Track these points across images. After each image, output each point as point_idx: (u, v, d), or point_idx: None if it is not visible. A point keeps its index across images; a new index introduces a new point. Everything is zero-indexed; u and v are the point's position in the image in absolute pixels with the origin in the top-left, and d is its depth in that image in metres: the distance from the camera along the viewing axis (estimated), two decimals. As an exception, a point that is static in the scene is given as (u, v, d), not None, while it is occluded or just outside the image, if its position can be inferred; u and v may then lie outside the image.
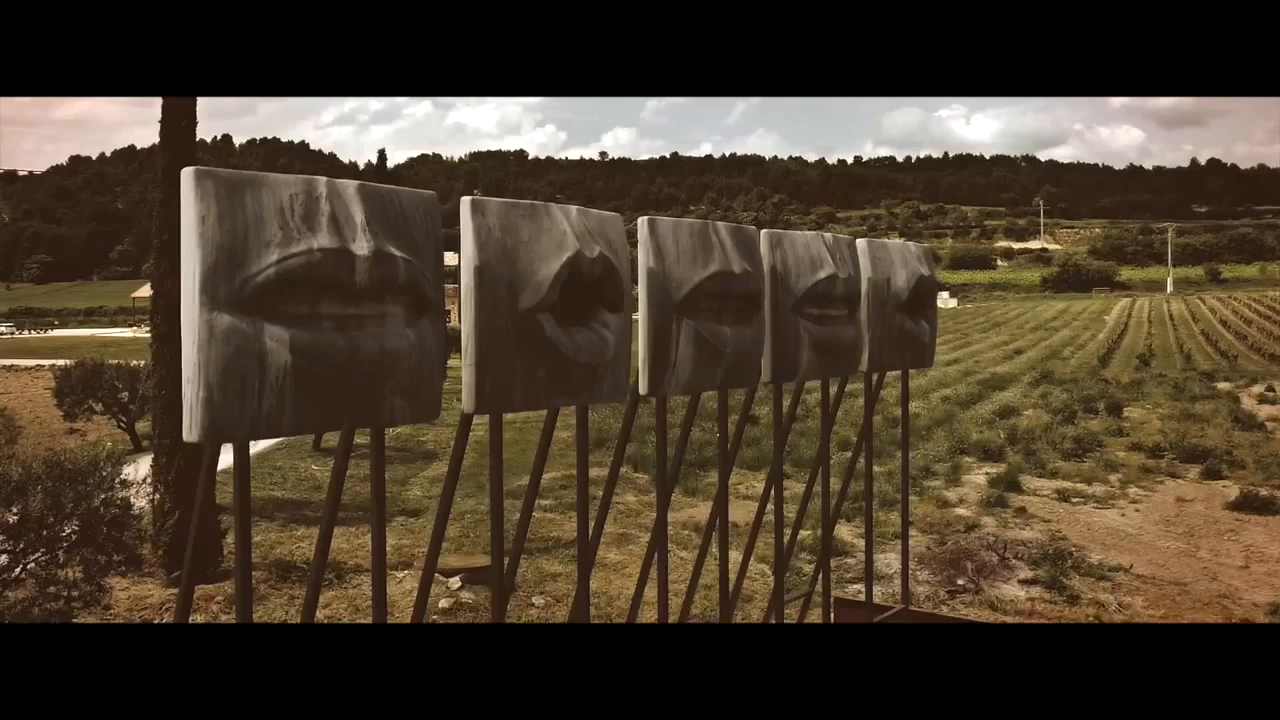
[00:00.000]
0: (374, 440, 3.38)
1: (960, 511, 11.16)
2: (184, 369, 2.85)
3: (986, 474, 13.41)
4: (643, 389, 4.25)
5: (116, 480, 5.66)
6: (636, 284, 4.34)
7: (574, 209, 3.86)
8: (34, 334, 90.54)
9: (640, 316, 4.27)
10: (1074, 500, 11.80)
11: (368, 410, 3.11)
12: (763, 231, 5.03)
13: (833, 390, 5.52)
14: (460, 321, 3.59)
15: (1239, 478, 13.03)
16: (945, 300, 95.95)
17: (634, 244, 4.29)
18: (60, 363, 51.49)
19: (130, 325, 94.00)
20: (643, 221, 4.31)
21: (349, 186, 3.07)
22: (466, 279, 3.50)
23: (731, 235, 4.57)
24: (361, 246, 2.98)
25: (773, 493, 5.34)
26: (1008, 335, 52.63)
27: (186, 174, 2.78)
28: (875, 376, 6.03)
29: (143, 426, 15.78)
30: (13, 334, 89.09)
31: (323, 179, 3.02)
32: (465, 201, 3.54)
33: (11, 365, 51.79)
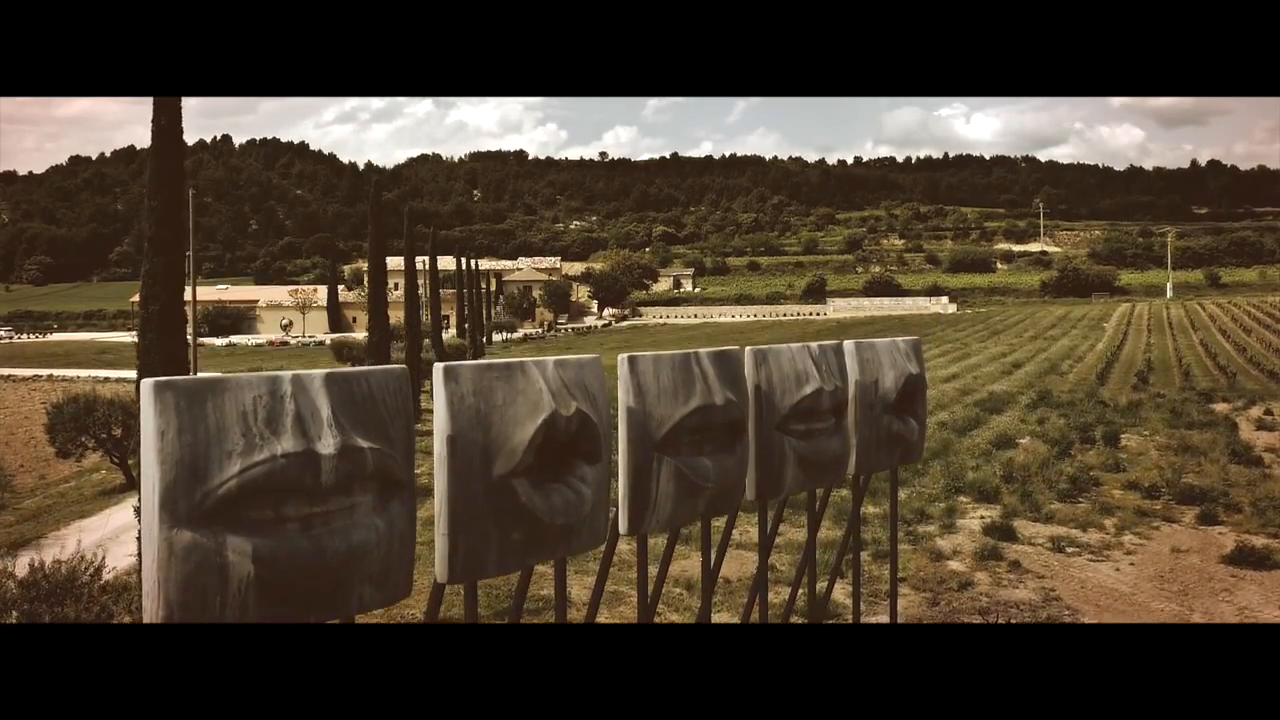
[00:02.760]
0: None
1: (954, 566, 11.10)
2: (144, 583, 2.80)
3: (981, 518, 13.35)
4: (623, 528, 4.19)
5: (96, 587, 5.59)
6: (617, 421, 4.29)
7: (551, 362, 3.80)
8: (33, 338, 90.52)
9: (620, 455, 4.22)
10: (1068, 551, 11.73)
11: (335, 603, 3.06)
12: (747, 350, 4.98)
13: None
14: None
15: (1235, 524, 12.96)
16: (945, 305, 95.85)
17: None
18: (58, 373, 51.36)
19: (129, 329, 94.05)
20: (622, 359, 4.26)
21: (315, 379, 3.01)
22: (439, 447, 3.45)
23: (714, 364, 4.51)
24: (327, 444, 2.93)
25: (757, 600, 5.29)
26: (1006, 345, 52.59)
27: (146, 387, 2.72)
28: (863, 476, 5.98)
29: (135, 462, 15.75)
30: (11, 338, 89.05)
31: (288, 376, 2.97)
32: (438, 369, 3.49)
33: (9, 375, 51.83)
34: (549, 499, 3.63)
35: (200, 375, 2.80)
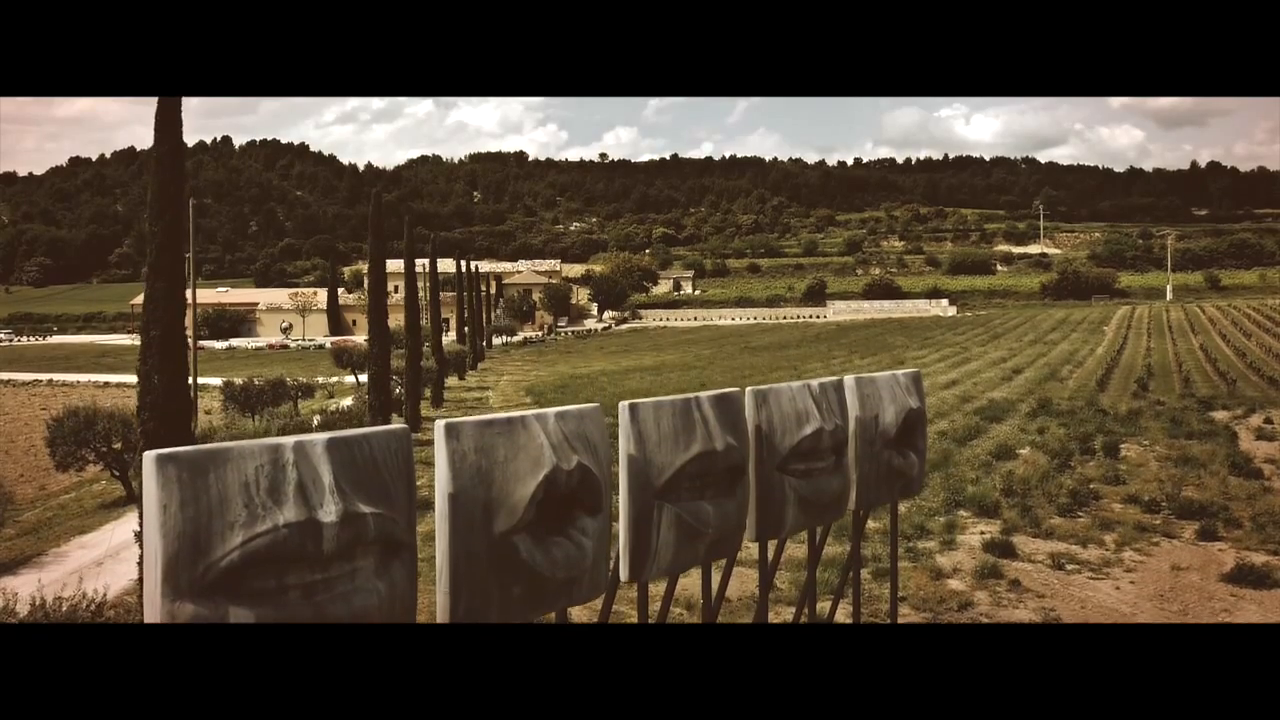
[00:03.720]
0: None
1: (954, 585, 11.10)
2: (147, 654, 2.81)
3: (981, 534, 13.35)
4: (624, 575, 4.20)
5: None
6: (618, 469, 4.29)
7: (552, 416, 3.80)
8: (33, 340, 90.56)
9: (621, 503, 4.22)
10: (1068, 568, 11.73)
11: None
12: (748, 391, 4.98)
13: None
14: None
15: (1235, 540, 12.97)
16: (945, 308, 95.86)
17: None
18: (58, 377, 51.37)
19: (129, 332, 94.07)
20: (623, 407, 4.25)
21: (317, 445, 3.01)
22: (440, 504, 3.46)
23: (715, 407, 4.52)
24: (329, 512, 2.93)
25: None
26: (1006, 350, 52.60)
27: (148, 461, 2.72)
28: (862, 511, 5.99)
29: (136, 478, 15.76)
30: (11, 341, 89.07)
31: (290, 444, 2.97)
32: (439, 427, 3.49)
33: (9, 380, 51.82)
34: (550, 553, 3.64)
35: (203, 446, 2.81)
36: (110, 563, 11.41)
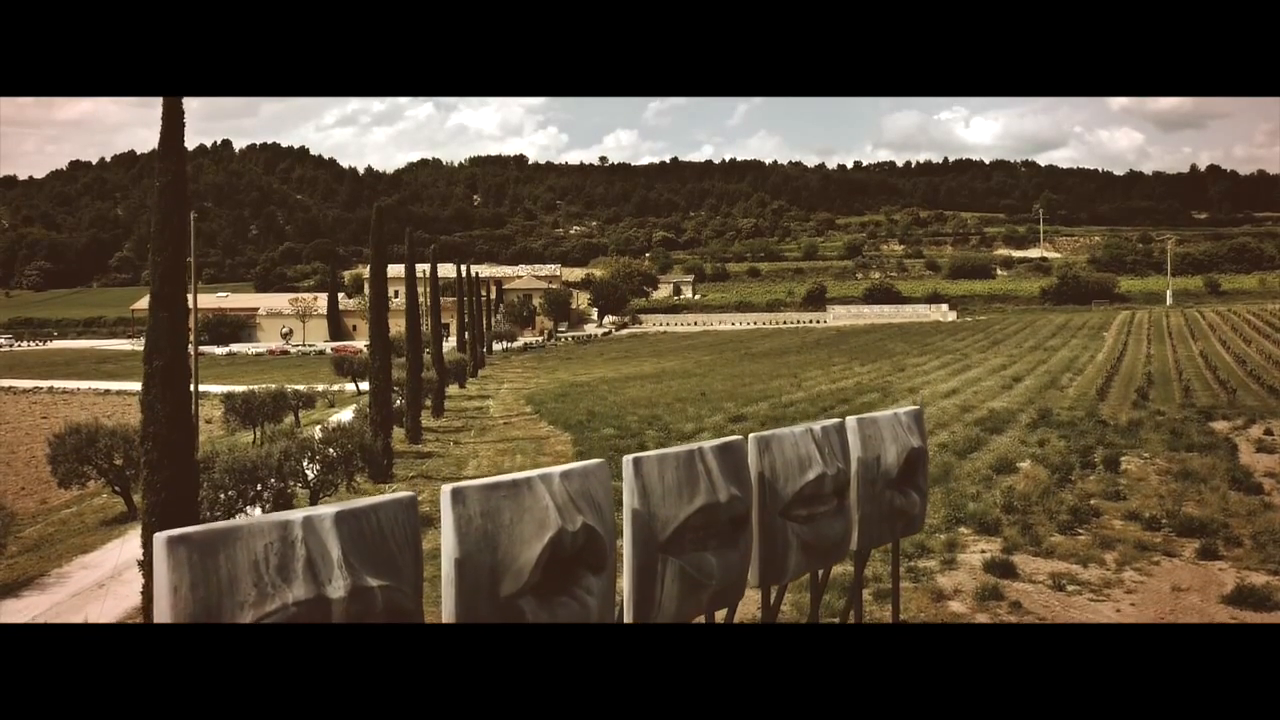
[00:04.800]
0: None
1: (954, 607, 11.11)
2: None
3: (982, 552, 13.36)
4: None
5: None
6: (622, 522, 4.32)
7: (557, 476, 3.83)
8: (33, 345, 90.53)
9: (625, 556, 4.24)
10: (1069, 589, 11.74)
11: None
12: (750, 438, 5.01)
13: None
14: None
15: (1235, 559, 12.99)
16: (945, 313, 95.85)
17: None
18: (59, 384, 51.26)
19: (129, 337, 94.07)
20: (628, 461, 4.28)
21: (326, 520, 3.04)
22: (446, 569, 3.49)
23: (719, 458, 4.54)
24: (338, 588, 2.96)
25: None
26: (1006, 357, 52.60)
27: (159, 543, 2.75)
28: (864, 551, 6.01)
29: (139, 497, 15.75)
30: (12, 346, 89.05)
31: (299, 519, 3.00)
32: (446, 491, 3.52)
33: (10, 387, 51.78)
34: (555, 614, 3.66)
35: (213, 526, 2.83)
36: (113, 584, 11.41)
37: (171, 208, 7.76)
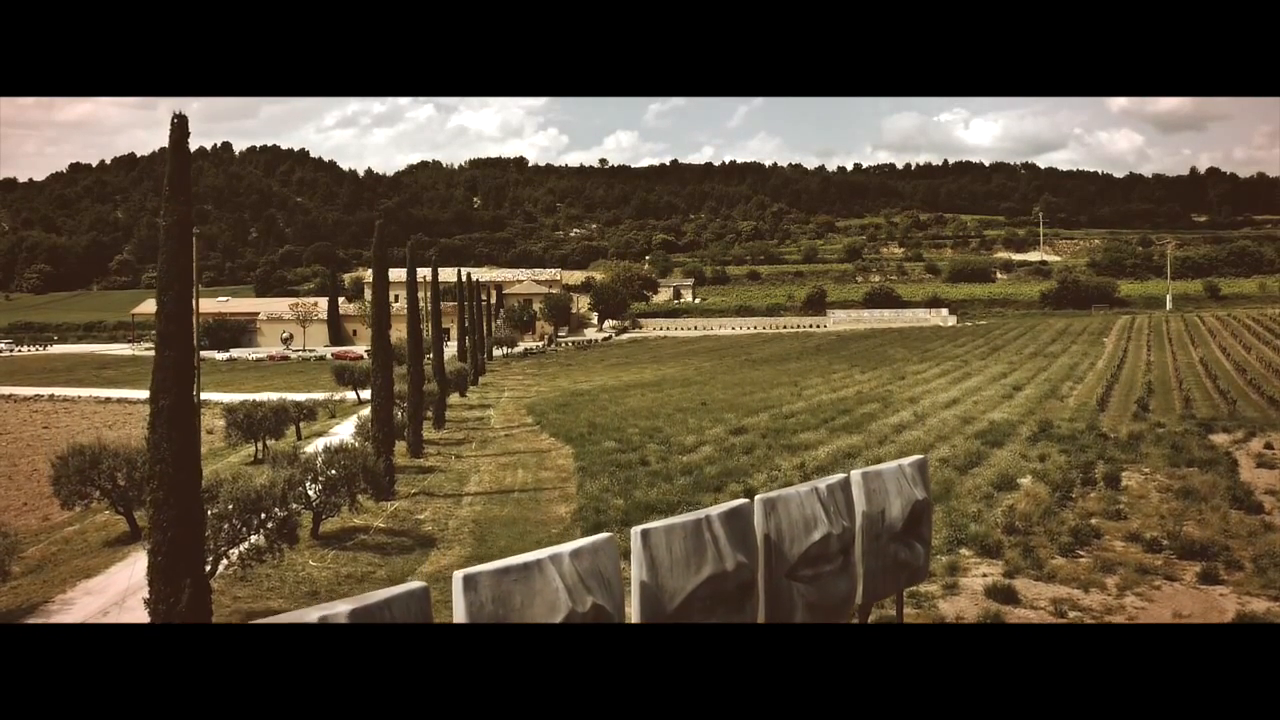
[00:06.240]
0: None
1: (957, 635, 11.15)
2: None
3: (984, 576, 13.41)
4: (636, 699, 4.26)
5: None
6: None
7: (567, 556, 3.86)
8: (34, 350, 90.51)
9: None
10: (1070, 616, 11.79)
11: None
12: (757, 500, 5.04)
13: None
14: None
15: (1236, 583, 13.04)
16: (945, 317, 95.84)
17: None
18: (59, 392, 51.22)
19: (129, 340, 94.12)
20: (635, 533, 4.32)
21: (340, 617, 3.08)
22: (459, 656, 3.52)
23: (725, 524, 4.58)
24: (353, 689, 2.99)
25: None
26: (1006, 364, 52.62)
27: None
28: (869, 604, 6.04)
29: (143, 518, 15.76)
30: (12, 351, 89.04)
31: (314, 617, 3.03)
32: (457, 579, 3.56)
33: (10, 395, 51.69)
34: (565, 695, 3.69)
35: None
36: (116, 611, 11.42)
37: (178, 247, 7.78)
